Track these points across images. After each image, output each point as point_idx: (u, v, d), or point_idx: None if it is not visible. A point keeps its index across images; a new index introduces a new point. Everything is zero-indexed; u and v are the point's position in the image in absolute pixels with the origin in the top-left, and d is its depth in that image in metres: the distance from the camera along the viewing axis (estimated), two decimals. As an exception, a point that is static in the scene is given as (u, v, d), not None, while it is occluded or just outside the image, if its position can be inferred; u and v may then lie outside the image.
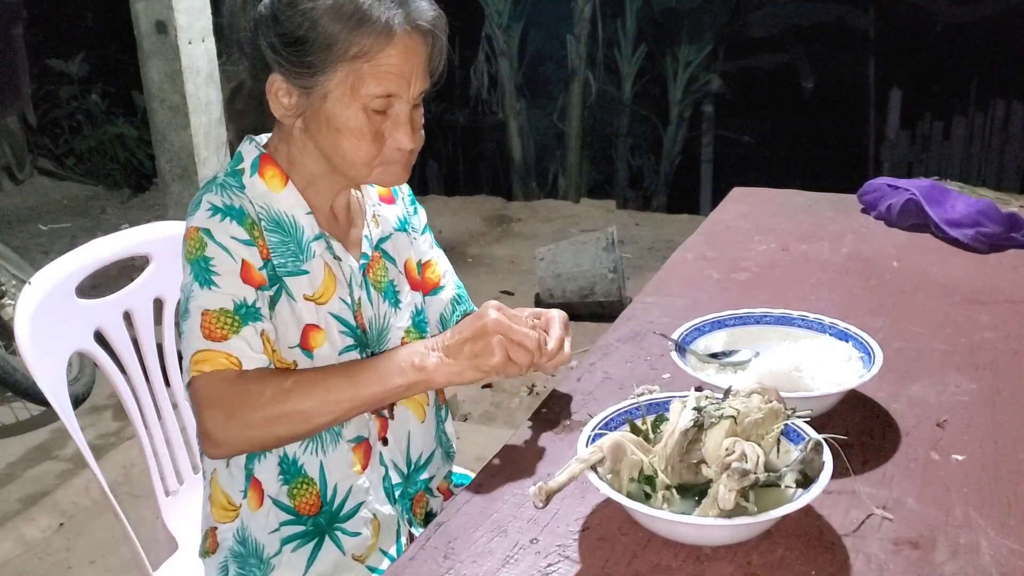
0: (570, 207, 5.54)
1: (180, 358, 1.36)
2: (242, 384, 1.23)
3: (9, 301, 3.35)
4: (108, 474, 1.82)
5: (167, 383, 1.73)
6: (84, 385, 3.32)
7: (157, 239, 1.71)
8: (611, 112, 5.36)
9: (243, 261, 1.28)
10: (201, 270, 1.27)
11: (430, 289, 1.56)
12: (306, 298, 1.35)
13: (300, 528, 1.39)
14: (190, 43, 3.27)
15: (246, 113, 1.39)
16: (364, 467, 1.41)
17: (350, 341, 1.39)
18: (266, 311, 1.30)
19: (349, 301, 1.39)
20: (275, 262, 1.32)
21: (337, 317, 1.38)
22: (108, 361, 1.62)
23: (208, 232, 1.27)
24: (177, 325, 1.62)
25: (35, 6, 6.06)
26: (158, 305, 1.70)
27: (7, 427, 3.34)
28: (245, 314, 1.26)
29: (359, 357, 1.39)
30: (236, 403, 1.22)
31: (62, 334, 1.55)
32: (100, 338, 1.62)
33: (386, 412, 1.44)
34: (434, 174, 5.75)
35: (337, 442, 1.38)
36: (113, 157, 6.08)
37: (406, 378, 1.25)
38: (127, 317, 1.66)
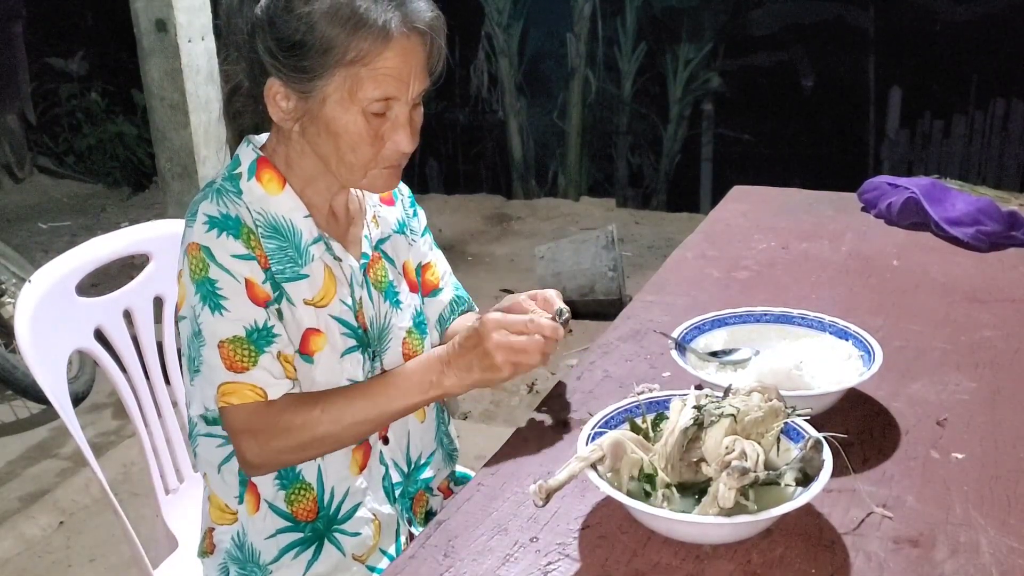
0: (570, 205, 5.54)
1: (180, 357, 1.36)
2: (272, 415, 1.28)
3: (9, 299, 3.35)
4: (108, 472, 1.82)
5: (167, 381, 1.73)
6: (84, 383, 3.32)
7: (157, 237, 1.71)
8: (611, 110, 5.36)
9: (246, 280, 1.28)
10: (208, 292, 1.27)
11: (429, 291, 1.56)
12: (306, 302, 1.35)
13: (298, 535, 1.38)
14: (190, 41, 3.27)
15: (244, 113, 1.38)
16: (363, 467, 1.41)
17: (352, 342, 1.38)
18: (280, 327, 1.30)
19: (350, 301, 1.39)
20: (274, 269, 1.32)
21: (338, 319, 1.37)
22: (108, 359, 1.62)
23: (208, 252, 1.27)
24: (177, 324, 1.62)
25: (35, 4, 6.06)
26: (158, 303, 1.70)
27: (7, 425, 3.34)
28: (258, 339, 1.28)
29: (362, 358, 1.39)
30: (269, 433, 1.28)
31: (62, 332, 1.55)
32: (100, 336, 1.62)
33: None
34: (434, 173, 5.75)
35: None
36: (113, 155, 6.08)
37: (426, 395, 1.33)
38: (127, 315, 1.66)
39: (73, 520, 2.83)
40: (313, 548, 1.39)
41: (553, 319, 1.31)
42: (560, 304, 1.35)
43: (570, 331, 1.37)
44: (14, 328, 1.47)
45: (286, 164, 1.36)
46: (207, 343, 1.27)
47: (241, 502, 1.39)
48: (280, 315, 1.32)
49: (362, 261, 1.42)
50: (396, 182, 1.39)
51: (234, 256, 1.28)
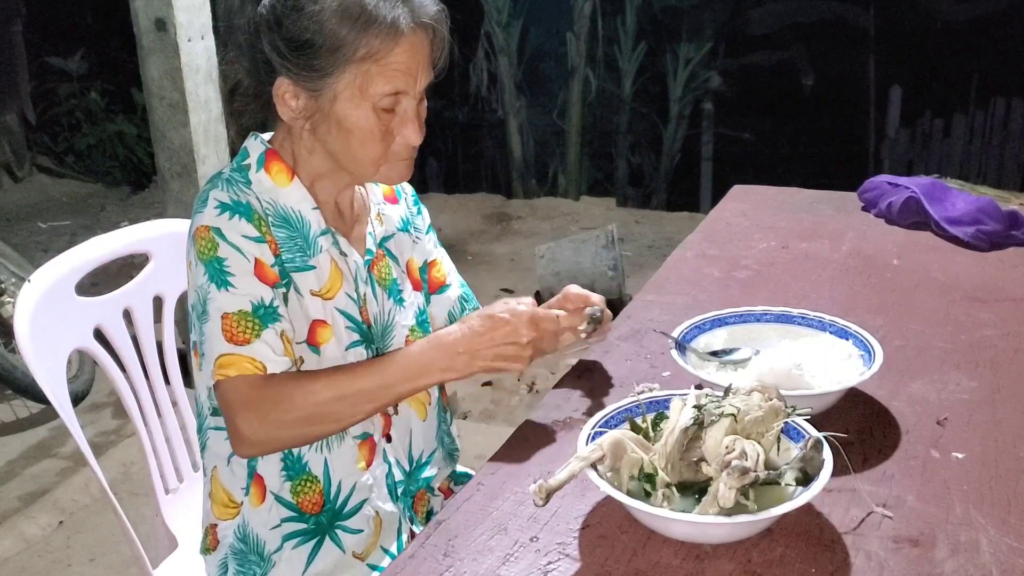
0: (570, 205, 5.54)
1: (185, 355, 1.36)
2: (272, 388, 1.25)
3: (9, 299, 3.35)
4: (108, 472, 1.82)
5: (167, 381, 1.72)
6: (84, 383, 3.32)
7: (157, 237, 1.70)
8: (611, 110, 5.36)
9: (256, 260, 1.28)
10: (216, 271, 1.27)
11: (436, 288, 1.57)
12: (313, 293, 1.35)
13: (302, 526, 1.39)
14: (189, 40, 3.26)
15: (245, 112, 1.39)
16: (369, 464, 1.41)
17: (356, 336, 1.39)
18: (284, 310, 1.30)
19: (355, 296, 1.40)
20: (283, 257, 1.32)
21: (343, 312, 1.38)
22: (108, 359, 1.62)
23: (219, 231, 1.27)
24: (178, 323, 1.62)
25: (34, 4, 6.05)
26: (158, 303, 1.70)
27: (7, 425, 3.34)
28: (264, 315, 1.27)
29: (365, 353, 1.39)
30: (268, 406, 1.24)
31: (62, 332, 1.55)
32: (100, 336, 1.62)
33: (390, 409, 1.44)
34: (434, 172, 5.75)
35: (343, 439, 1.38)
36: (112, 155, 6.08)
37: (434, 378, 1.31)
38: (127, 315, 1.66)
39: (73, 520, 2.83)
40: (313, 543, 1.39)
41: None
42: (594, 307, 1.44)
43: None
44: (14, 327, 1.47)
45: (293, 160, 1.37)
46: (211, 317, 1.26)
47: (247, 494, 1.39)
48: (286, 300, 1.32)
49: (366, 258, 1.43)
50: (410, 172, 1.39)
51: (245, 236, 1.28)
